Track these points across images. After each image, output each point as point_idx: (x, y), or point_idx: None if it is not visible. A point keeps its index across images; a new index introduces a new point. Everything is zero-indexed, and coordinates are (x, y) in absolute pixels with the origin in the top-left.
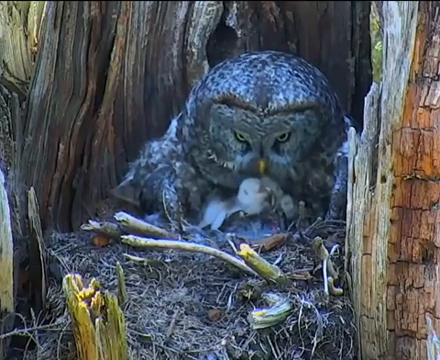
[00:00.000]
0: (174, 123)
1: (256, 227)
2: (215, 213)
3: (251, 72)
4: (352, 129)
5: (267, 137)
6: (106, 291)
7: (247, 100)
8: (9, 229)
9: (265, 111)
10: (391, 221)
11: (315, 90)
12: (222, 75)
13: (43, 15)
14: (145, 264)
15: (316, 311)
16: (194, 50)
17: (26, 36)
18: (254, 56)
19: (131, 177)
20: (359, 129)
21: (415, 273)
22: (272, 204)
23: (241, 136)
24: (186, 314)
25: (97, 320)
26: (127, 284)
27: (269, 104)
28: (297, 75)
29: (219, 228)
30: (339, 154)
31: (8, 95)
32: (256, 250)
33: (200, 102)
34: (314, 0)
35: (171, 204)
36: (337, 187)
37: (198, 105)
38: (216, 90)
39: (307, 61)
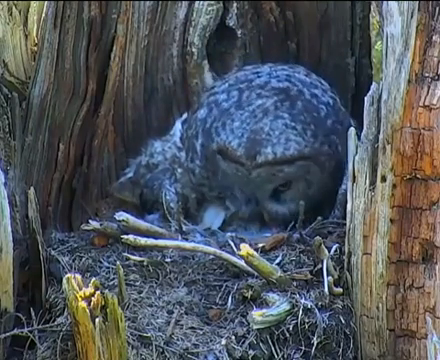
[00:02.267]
0: (178, 126)
1: (255, 228)
2: (214, 215)
3: (248, 124)
4: (352, 129)
5: (259, 190)
6: (106, 291)
7: (238, 154)
8: (9, 229)
9: (253, 164)
10: (391, 221)
11: (313, 141)
12: (224, 126)
13: (43, 15)
14: (145, 264)
15: (316, 311)
16: (194, 50)
17: (26, 36)
18: (259, 102)
19: (131, 174)
20: (359, 129)
21: (415, 273)
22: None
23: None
24: (186, 314)
25: (97, 320)
26: (127, 284)
27: (257, 157)
28: (294, 127)
29: (219, 228)
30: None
31: (8, 95)
32: (256, 250)
33: (206, 150)
34: (314, 0)
35: (171, 204)
36: (344, 187)
37: (205, 152)
38: (216, 141)
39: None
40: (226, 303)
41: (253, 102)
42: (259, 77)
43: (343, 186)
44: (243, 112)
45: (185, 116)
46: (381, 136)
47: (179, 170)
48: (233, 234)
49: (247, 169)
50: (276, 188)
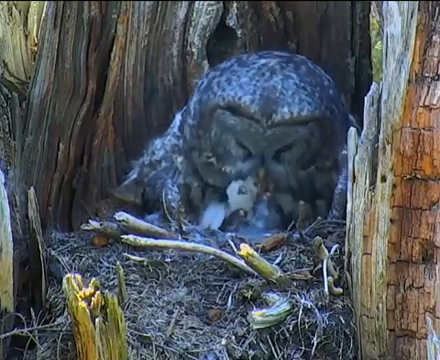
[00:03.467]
0: (178, 117)
1: (250, 217)
2: (214, 214)
3: (258, 81)
4: (352, 129)
5: (269, 147)
6: (106, 291)
7: (252, 110)
8: (9, 229)
9: (269, 122)
10: (391, 221)
11: (320, 104)
12: (229, 81)
13: (43, 15)
14: (145, 264)
15: (316, 311)
16: (194, 50)
17: (26, 36)
18: (263, 61)
19: (135, 175)
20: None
21: (415, 273)
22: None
23: (243, 143)
24: (186, 314)
25: (97, 320)
26: (127, 284)
27: (273, 116)
28: (304, 88)
29: (219, 228)
30: (344, 152)
31: (8, 95)
32: (256, 250)
33: (204, 105)
34: (314, 0)
35: (172, 204)
36: (340, 187)
37: (202, 108)
38: (222, 96)
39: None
40: (226, 303)
41: (256, 61)
42: (265, 58)
43: (339, 186)
44: (249, 69)
45: (185, 108)
46: (381, 136)
47: (179, 159)
48: (233, 234)
49: (262, 127)
50: (280, 148)
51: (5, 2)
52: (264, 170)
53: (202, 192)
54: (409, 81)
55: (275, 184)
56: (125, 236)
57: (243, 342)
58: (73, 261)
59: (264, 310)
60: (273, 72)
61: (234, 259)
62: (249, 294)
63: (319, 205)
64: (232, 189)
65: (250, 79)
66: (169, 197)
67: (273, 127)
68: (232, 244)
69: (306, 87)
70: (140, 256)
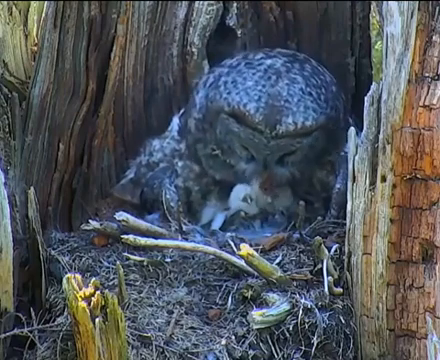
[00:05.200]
0: (175, 120)
1: (256, 224)
2: (212, 213)
3: (264, 86)
4: (352, 129)
5: (273, 155)
6: (106, 291)
7: (256, 120)
8: (9, 229)
9: (273, 134)
10: (391, 221)
11: (325, 107)
12: (235, 83)
13: (43, 15)
14: (145, 264)
15: (316, 311)
16: (194, 50)
17: (26, 36)
18: (269, 62)
19: (132, 175)
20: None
21: (415, 273)
22: (249, 202)
23: (247, 148)
24: (186, 314)
25: (97, 320)
26: (127, 284)
27: (277, 127)
28: (310, 93)
29: (220, 228)
30: (342, 153)
31: (8, 95)
32: (256, 250)
33: (211, 103)
34: (314, 0)
35: (171, 203)
36: (338, 186)
37: (208, 105)
38: (227, 101)
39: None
40: (226, 303)
41: (263, 62)
42: (271, 58)
43: (337, 185)
44: (255, 72)
45: (182, 111)
46: (381, 136)
47: (180, 163)
48: (233, 234)
49: (266, 137)
50: (283, 154)
51: (5, 2)
52: (267, 174)
53: (202, 196)
54: (409, 81)
55: (278, 184)
56: (125, 236)
57: (243, 342)
58: (73, 261)
59: (264, 310)
60: (279, 76)
61: (234, 259)
62: (249, 294)
63: (317, 207)
64: (237, 193)
65: (256, 83)
66: (168, 197)
67: (277, 138)
68: (232, 244)
69: (312, 92)
70: (140, 256)
